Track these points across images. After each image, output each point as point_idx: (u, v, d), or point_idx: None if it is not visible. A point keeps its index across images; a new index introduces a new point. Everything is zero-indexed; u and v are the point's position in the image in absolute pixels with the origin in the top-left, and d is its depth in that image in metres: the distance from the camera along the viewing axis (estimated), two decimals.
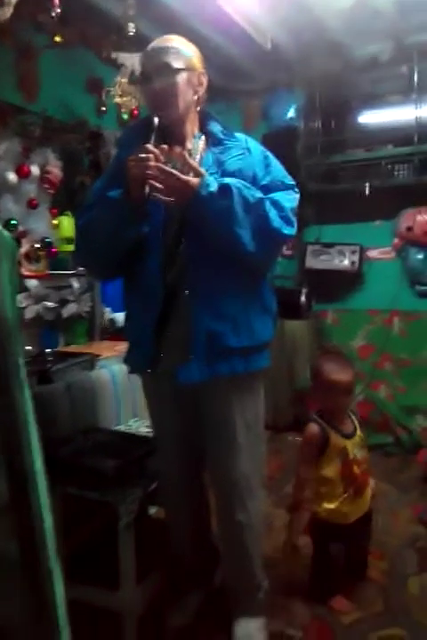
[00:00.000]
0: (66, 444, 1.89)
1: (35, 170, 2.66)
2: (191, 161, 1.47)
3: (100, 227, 1.52)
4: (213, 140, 1.62)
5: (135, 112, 2.83)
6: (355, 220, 3.88)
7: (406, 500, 2.69)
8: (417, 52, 3.42)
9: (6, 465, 1.03)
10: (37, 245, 2.67)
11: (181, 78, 1.53)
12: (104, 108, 3.05)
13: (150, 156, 1.40)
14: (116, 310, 3.13)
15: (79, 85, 3.05)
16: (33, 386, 1.98)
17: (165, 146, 1.44)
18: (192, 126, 1.63)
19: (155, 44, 1.57)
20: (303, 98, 3.84)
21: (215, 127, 1.63)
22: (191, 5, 2.86)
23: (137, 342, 1.66)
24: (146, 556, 1.89)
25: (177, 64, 1.53)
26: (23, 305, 2.58)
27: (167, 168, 1.41)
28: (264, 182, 1.59)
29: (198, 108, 1.64)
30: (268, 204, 1.51)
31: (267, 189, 1.57)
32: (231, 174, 1.53)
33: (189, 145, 1.61)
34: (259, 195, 1.51)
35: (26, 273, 2.62)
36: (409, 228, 3.62)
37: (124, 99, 2.80)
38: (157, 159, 1.41)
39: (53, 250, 2.76)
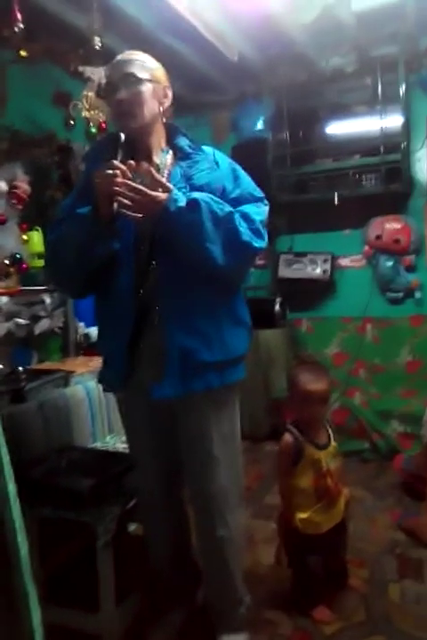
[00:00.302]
0: (40, 464, 1.85)
1: (2, 185, 2.62)
2: (158, 176, 1.46)
3: (69, 243, 1.50)
4: (180, 155, 1.61)
5: (103, 125, 2.81)
6: (326, 229, 3.94)
7: (384, 506, 2.70)
8: (380, 64, 3.50)
9: None
10: (7, 262, 2.63)
11: (147, 88, 1.53)
12: (72, 122, 3.02)
13: (117, 171, 1.39)
14: (89, 325, 3.09)
15: (47, 99, 3.03)
16: (5, 406, 1.93)
17: (132, 161, 1.43)
18: (159, 140, 1.62)
19: (120, 56, 1.58)
20: (271, 109, 3.88)
21: (183, 141, 1.63)
22: (157, 19, 2.88)
23: (110, 360, 1.64)
24: (126, 576, 1.86)
25: (142, 74, 1.53)
26: None
27: (135, 184, 1.41)
28: (233, 195, 1.59)
29: (164, 122, 1.64)
30: (237, 218, 1.51)
31: (236, 202, 1.57)
32: (200, 188, 1.53)
33: (156, 159, 1.60)
34: (228, 208, 1.51)
35: None
36: (378, 237, 3.69)
37: (92, 112, 2.79)
38: (124, 175, 1.40)
39: (24, 266, 2.72)
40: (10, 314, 2.66)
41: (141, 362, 1.56)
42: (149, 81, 1.54)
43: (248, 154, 3.50)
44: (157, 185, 1.44)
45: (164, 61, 1.65)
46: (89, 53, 2.76)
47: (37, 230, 2.82)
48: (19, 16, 2.32)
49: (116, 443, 2.19)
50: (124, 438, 2.04)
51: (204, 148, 1.66)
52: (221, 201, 1.52)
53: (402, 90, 3.49)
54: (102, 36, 2.65)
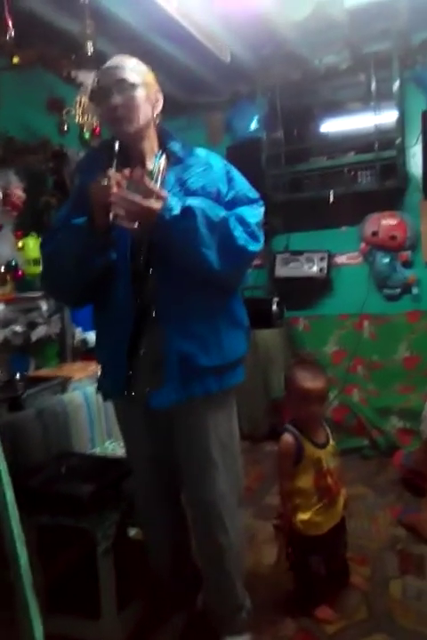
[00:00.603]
0: (39, 471, 1.85)
1: None
2: (152, 186, 1.46)
3: (66, 255, 1.50)
4: (173, 159, 1.61)
5: (97, 131, 2.81)
6: (322, 227, 3.93)
7: (384, 503, 2.70)
8: (374, 60, 3.50)
9: None
10: (2, 269, 2.62)
11: (140, 93, 1.53)
12: (66, 128, 3.02)
13: (112, 182, 1.39)
14: (87, 330, 3.08)
15: (40, 105, 3.02)
16: (3, 414, 1.94)
17: (126, 171, 1.44)
18: (152, 144, 1.62)
19: (109, 62, 1.57)
20: (265, 108, 3.88)
21: (175, 145, 1.62)
22: (149, 22, 2.87)
23: (109, 368, 1.64)
24: (127, 581, 1.86)
25: (135, 80, 1.53)
26: None
27: (129, 195, 1.40)
28: (228, 198, 1.59)
29: (156, 126, 1.64)
30: (233, 222, 1.51)
31: (231, 205, 1.57)
32: (194, 193, 1.53)
33: (149, 165, 1.60)
34: (223, 213, 1.51)
35: None
36: (374, 233, 3.69)
37: (86, 117, 2.79)
38: (118, 185, 1.40)
39: (19, 272, 2.72)
40: (6, 321, 2.65)
41: (140, 369, 1.56)
42: (142, 85, 1.54)
43: (243, 154, 3.50)
44: (151, 194, 1.43)
45: (157, 64, 1.64)
46: (82, 59, 2.76)
47: (33, 236, 2.82)
48: (10, 23, 2.32)
49: (116, 448, 2.19)
50: (122, 443, 2.05)
51: (196, 150, 1.65)
52: (215, 205, 1.52)
53: (396, 86, 3.49)
54: (95, 41, 2.64)
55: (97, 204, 1.41)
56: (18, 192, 2.71)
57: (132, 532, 2.26)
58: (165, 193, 1.45)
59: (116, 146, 1.48)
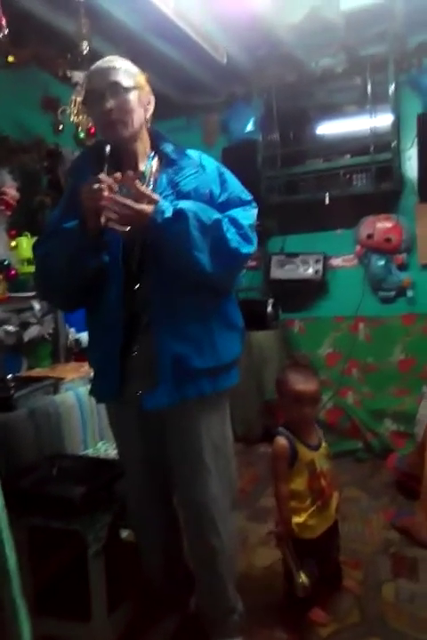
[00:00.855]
0: (30, 472, 1.84)
1: None
2: (144, 189, 1.45)
3: (59, 258, 1.49)
4: (166, 161, 1.60)
5: (92, 130, 2.80)
6: (317, 230, 3.93)
7: (378, 506, 2.70)
8: (370, 63, 3.50)
9: None
10: None
11: (133, 96, 1.52)
12: (61, 127, 3.01)
13: (103, 186, 1.38)
14: (80, 330, 3.07)
15: (35, 104, 3.01)
16: None
17: (118, 174, 1.42)
18: (144, 146, 1.61)
19: (101, 64, 1.54)
20: (261, 110, 3.88)
21: (168, 147, 1.61)
22: (145, 22, 2.86)
23: (102, 371, 1.63)
24: (118, 584, 1.85)
25: (128, 83, 1.51)
26: None
27: (121, 199, 1.40)
28: (221, 200, 1.58)
29: (148, 128, 1.62)
30: (225, 224, 1.50)
31: (224, 206, 1.56)
32: (187, 194, 1.52)
33: (142, 166, 1.59)
34: (216, 215, 1.50)
35: None
36: (370, 236, 3.69)
37: (81, 117, 2.78)
38: (110, 189, 1.39)
39: (12, 272, 2.71)
40: None
41: (133, 372, 1.56)
42: (135, 88, 1.53)
43: (239, 156, 3.50)
44: (142, 197, 1.42)
45: (152, 64, 1.64)
46: (77, 58, 2.75)
47: (26, 236, 2.81)
48: (4, 21, 2.31)
49: (108, 449, 2.18)
50: (115, 445, 2.03)
51: (189, 152, 1.64)
52: (208, 208, 1.51)
53: (392, 89, 3.49)
54: (90, 41, 2.64)
55: (88, 207, 1.40)
56: (11, 191, 2.71)
57: (125, 533, 2.25)
58: (156, 196, 1.45)
59: (108, 149, 1.46)
